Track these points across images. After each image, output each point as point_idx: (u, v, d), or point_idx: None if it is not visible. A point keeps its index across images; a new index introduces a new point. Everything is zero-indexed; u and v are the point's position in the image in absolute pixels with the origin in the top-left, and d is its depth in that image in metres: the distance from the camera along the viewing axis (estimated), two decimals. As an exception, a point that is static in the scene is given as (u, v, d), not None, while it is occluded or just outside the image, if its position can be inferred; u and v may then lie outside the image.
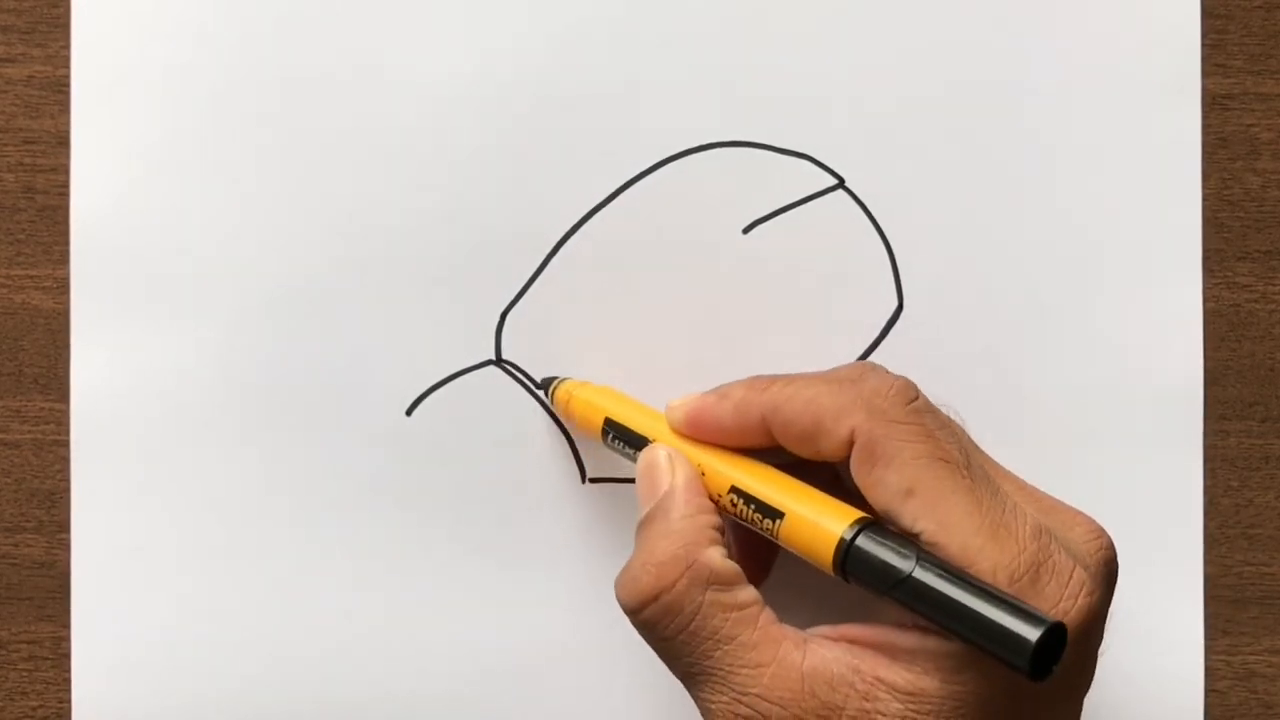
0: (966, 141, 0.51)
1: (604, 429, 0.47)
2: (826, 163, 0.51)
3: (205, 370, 0.50)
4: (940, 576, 0.38)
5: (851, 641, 0.40)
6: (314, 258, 0.50)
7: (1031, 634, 0.36)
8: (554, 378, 0.50)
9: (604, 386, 0.49)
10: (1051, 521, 0.40)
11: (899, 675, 0.39)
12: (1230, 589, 0.52)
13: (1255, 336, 0.52)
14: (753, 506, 0.42)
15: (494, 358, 0.50)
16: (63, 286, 0.50)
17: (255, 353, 0.50)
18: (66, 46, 0.50)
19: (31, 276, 0.50)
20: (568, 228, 0.50)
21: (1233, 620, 0.52)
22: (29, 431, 0.51)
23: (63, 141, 0.50)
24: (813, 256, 0.51)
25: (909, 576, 0.38)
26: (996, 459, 0.42)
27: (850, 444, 0.41)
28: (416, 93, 0.50)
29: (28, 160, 0.50)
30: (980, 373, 0.51)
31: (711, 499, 0.43)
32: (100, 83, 0.50)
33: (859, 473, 0.40)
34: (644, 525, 0.43)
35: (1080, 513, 0.42)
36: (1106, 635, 0.41)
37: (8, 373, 0.51)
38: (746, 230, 0.51)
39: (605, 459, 0.50)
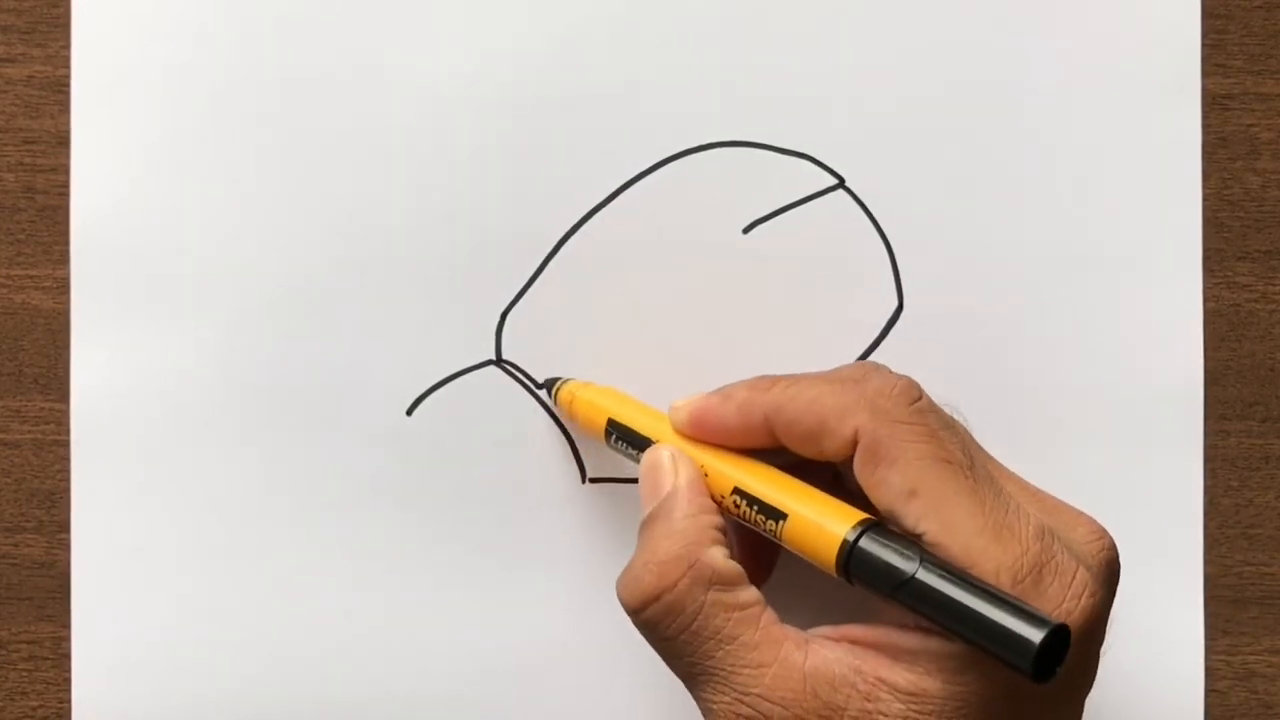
0: (966, 141, 0.51)
1: (607, 430, 0.47)
2: (826, 163, 0.51)
3: (205, 370, 0.50)
4: (943, 578, 0.38)
5: (853, 642, 0.40)
6: (314, 258, 0.50)
7: (1035, 635, 0.36)
8: (556, 378, 0.50)
9: (607, 387, 0.49)
10: (1054, 522, 0.40)
11: (901, 676, 0.39)
12: (1230, 589, 0.52)
13: (1255, 336, 0.52)
14: (755, 508, 0.42)
15: (494, 358, 0.50)
16: (63, 286, 0.50)
17: (255, 353, 0.50)
18: (66, 46, 0.50)
19: (31, 276, 0.50)
20: (568, 228, 0.50)
21: (1233, 620, 0.52)
22: (29, 431, 0.51)
23: (63, 141, 0.50)
24: (813, 256, 0.51)
25: (912, 578, 0.38)
26: (996, 459, 0.42)
27: (854, 444, 0.41)
28: (416, 93, 0.50)
29: (28, 160, 0.50)
30: (980, 372, 0.51)
31: (714, 500, 0.43)
32: (100, 83, 0.50)
33: (862, 473, 0.40)
34: (646, 525, 0.43)
35: (1082, 513, 0.42)
36: (1107, 635, 0.41)
37: (8, 373, 0.51)
38: (746, 230, 0.51)
39: (605, 459, 0.50)
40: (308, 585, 0.50)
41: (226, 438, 0.50)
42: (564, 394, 0.49)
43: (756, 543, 0.44)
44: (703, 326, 0.51)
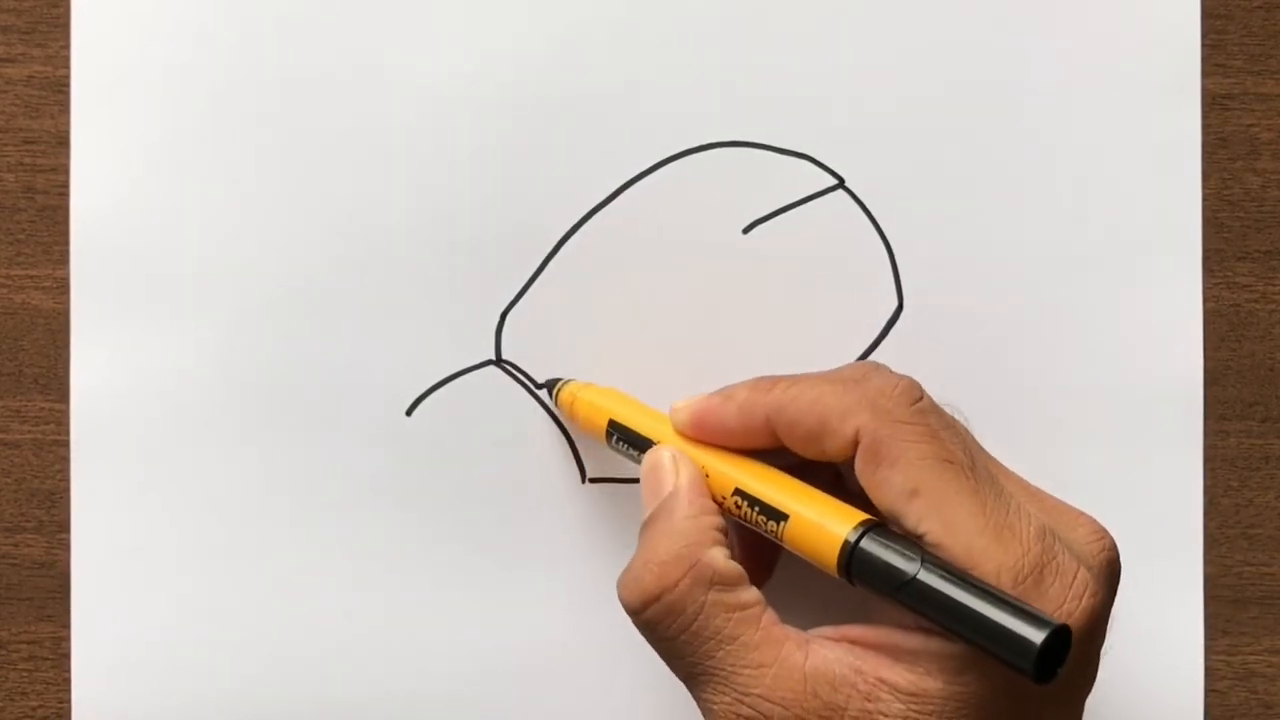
0: (966, 141, 0.51)
1: (608, 431, 0.47)
2: (826, 163, 0.51)
3: (205, 370, 0.50)
4: (945, 579, 0.38)
5: (853, 642, 0.40)
6: (314, 258, 0.50)
7: (1036, 636, 0.36)
8: (558, 379, 0.50)
9: (608, 388, 0.49)
10: (1055, 522, 0.40)
11: (901, 676, 0.39)
12: (1230, 589, 0.52)
13: (1255, 336, 0.52)
14: (757, 508, 0.42)
15: (494, 358, 0.50)
16: (63, 286, 0.50)
17: (255, 353, 0.50)
18: (66, 46, 0.50)
19: (31, 276, 0.50)
20: (568, 228, 0.50)
21: (1233, 620, 0.52)
22: (29, 431, 0.51)
23: (63, 141, 0.50)
24: (813, 256, 0.51)
25: (913, 579, 0.38)
26: (997, 459, 0.42)
27: (855, 444, 0.41)
28: (416, 93, 0.50)
29: (28, 160, 0.50)
30: (980, 373, 0.51)
31: (715, 501, 0.43)
32: (100, 83, 0.50)
33: (863, 473, 0.41)
34: (647, 525, 0.43)
35: (1083, 513, 0.42)
36: (1108, 635, 0.41)
37: (8, 373, 0.51)
38: (746, 230, 0.51)
39: (605, 459, 0.50)
40: (308, 585, 0.50)
41: (226, 438, 0.50)
42: (565, 395, 0.49)
43: (757, 543, 0.44)
44: (702, 326, 0.51)
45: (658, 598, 0.41)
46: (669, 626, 0.41)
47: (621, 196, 0.50)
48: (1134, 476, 0.51)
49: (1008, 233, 0.51)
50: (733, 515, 0.43)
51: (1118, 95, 0.51)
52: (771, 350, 0.50)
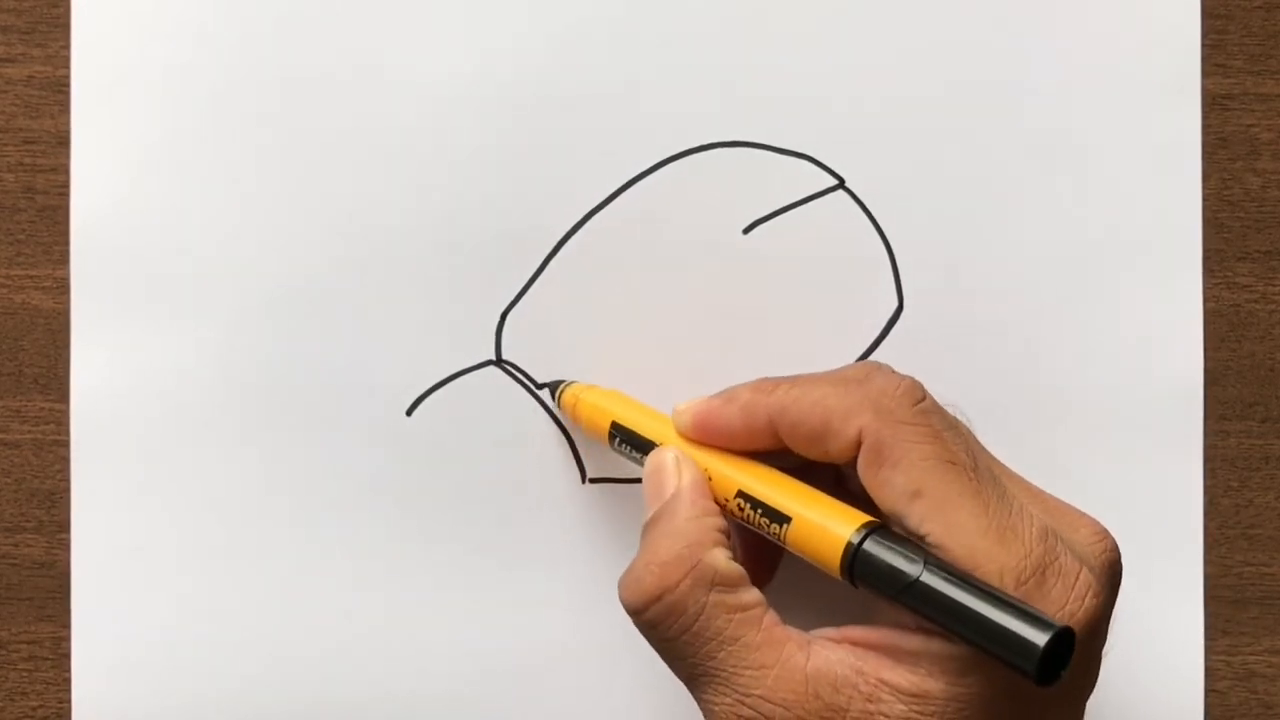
0: (966, 141, 0.51)
1: (611, 433, 0.47)
2: (826, 163, 0.51)
3: (205, 370, 0.50)
4: (948, 581, 0.38)
5: (855, 643, 0.40)
6: (314, 258, 0.50)
7: (1040, 639, 0.36)
8: (560, 381, 0.50)
9: (611, 390, 0.49)
10: (1057, 523, 0.40)
11: (903, 677, 0.39)
12: (1230, 589, 0.52)
13: (1255, 336, 0.52)
14: (760, 511, 0.42)
15: (494, 358, 0.50)
16: (63, 286, 0.50)
17: (255, 353, 0.50)
18: (66, 46, 0.50)
19: (31, 276, 0.50)
20: (568, 228, 0.50)
21: (1233, 620, 0.52)
22: (29, 431, 0.51)
23: (63, 141, 0.50)
24: (813, 256, 0.51)
25: (916, 581, 0.38)
26: (999, 459, 0.42)
27: (857, 445, 0.41)
28: (416, 93, 0.50)
29: (28, 160, 0.50)
30: (980, 372, 0.51)
31: (718, 503, 0.43)
32: (100, 83, 0.50)
33: (866, 474, 0.41)
34: (649, 526, 0.43)
35: (1085, 514, 0.42)
36: (1109, 636, 0.41)
37: (8, 373, 0.51)
38: (746, 230, 0.51)
39: (605, 459, 0.50)
40: (308, 585, 0.50)
41: (226, 438, 0.50)
42: (568, 397, 0.49)
43: (759, 545, 0.44)
44: (702, 326, 0.51)
45: (659, 598, 0.41)
46: (670, 627, 0.41)
47: (621, 196, 0.50)
48: (1134, 477, 0.51)
49: (1008, 233, 0.51)
50: (735, 518, 0.43)
51: (1118, 95, 0.51)
52: (771, 350, 0.50)
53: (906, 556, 0.39)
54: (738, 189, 0.51)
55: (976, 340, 0.51)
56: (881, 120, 0.51)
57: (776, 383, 0.43)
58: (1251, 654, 0.52)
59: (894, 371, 0.42)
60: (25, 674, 0.51)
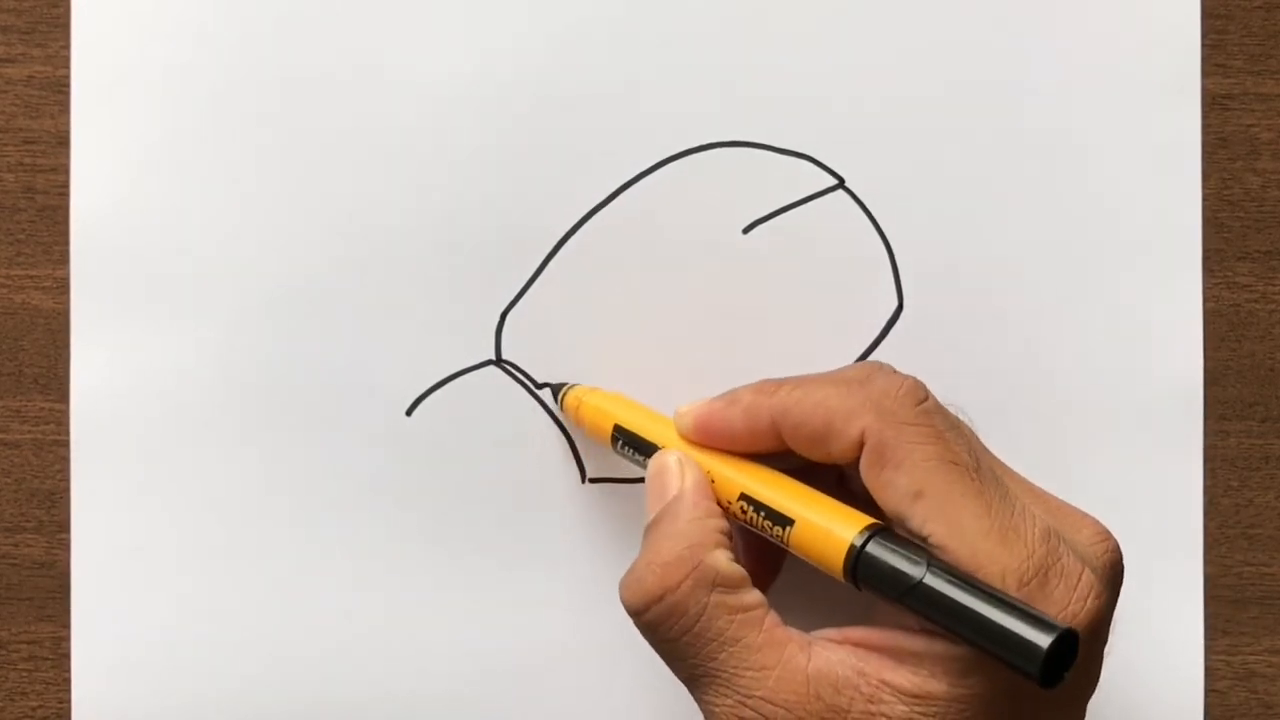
0: (966, 141, 0.51)
1: (613, 435, 0.47)
2: (826, 163, 0.51)
3: (205, 370, 0.50)
4: (951, 583, 0.38)
5: (856, 644, 0.40)
6: (314, 258, 0.50)
7: (1043, 641, 0.36)
8: (563, 383, 0.50)
9: (613, 393, 0.49)
10: (1059, 523, 0.40)
11: (905, 678, 0.39)
12: (1230, 589, 0.52)
13: (1255, 336, 0.52)
14: (763, 513, 0.42)
15: (494, 358, 0.50)
16: (63, 286, 0.50)
17: (255, 353, 0.50)
18: (66, 46, 0.50)
19: (31, 276, 0.50)
20: (568, 228, 0.50)
21: (1233, 620, 0.52)
22: (29, 431, 0.51)
23: (63, 141, 0.50)
24: (813, 256, 0.51)
25: (920, 583, 0.38)
26: (1001, 460, 0.42)
27: (860, 446, 0.41)
28: (416, 93, 0.50)
29: (28, 160, 0.50)
30: (980, 373, 0.51)
31: (721, 506, 0.43)
32: (100, 83, 0.50)
33: (868, 474, 0.41)
34: (651, 528, 0.43)
35: (1087, 515, 0.42)
36: (1109, 636, 0.41)
37: (8, 373, 0.50)
38: (746, 230, 0.51)
39: (605, 459, 0.50)
40: (308, 585, 0.50)
41: (226, 438, 0.50)
42: (570, 399, 0.49)
43: (762, 547, 0.44)
44: (702, 326, 0.51)
45: (660, 599, 0.41)
46: (671, 628, 0.41)
47: (621, 196, 0.50)
48: (1134, 477, 0.51)
49: (1008, 233, 0.51)
50: (738, 520, 0.43)
51: (1118, 95, 0.51)
52: (771, 350, 0.50)
53: (909, 559, 0.39)
54: (737, 189, 0.51)
55: (976, 340, 0.51)
56: (881, 120, 0.51)
57: (778, 384, 0.43)
58: (1251, 654, 0.52)
59: (896, 372, 0.42)
60: (25, 674, 0.51)
